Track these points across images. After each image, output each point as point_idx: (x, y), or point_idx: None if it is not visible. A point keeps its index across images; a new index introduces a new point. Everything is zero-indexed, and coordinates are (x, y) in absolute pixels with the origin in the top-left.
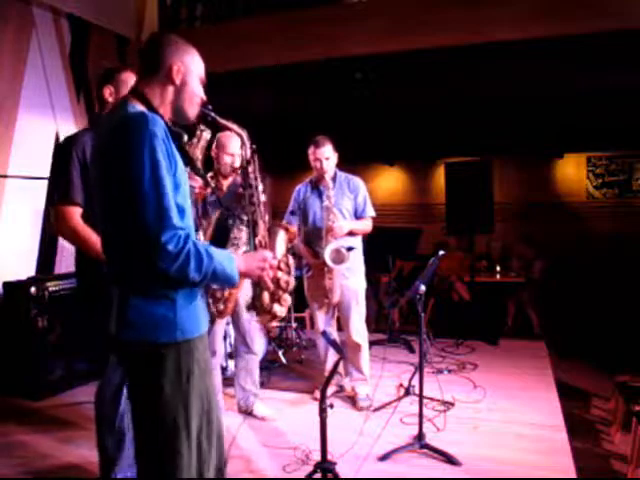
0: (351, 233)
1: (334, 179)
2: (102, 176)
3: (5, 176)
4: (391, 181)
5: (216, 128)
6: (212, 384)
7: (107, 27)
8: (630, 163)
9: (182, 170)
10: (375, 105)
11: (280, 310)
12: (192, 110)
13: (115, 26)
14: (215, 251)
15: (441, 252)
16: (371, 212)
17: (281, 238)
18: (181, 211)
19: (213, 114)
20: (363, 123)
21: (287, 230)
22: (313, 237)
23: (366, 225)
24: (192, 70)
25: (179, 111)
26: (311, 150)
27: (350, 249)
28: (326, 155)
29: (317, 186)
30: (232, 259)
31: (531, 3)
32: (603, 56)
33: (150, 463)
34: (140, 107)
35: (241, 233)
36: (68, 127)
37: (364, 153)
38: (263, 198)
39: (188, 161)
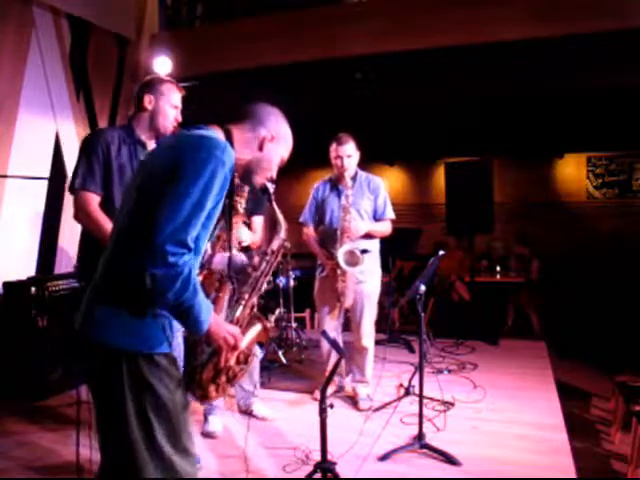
0: (369, 235)
1: (354, 178)
2: (153, 172)
3: (5, 176)
4: (391, 181)
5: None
6: (178, 404)
7: (107, 27)
8: (630, 163)
9: (219, 208)
10: (375, 105)
11: (214, 395)
12: (259, 179)
13: (115, 26)
14: (202, 294)
15: (441, 252)
16: (391, 214)
17: (255, 331)
18: (197, 240)
19: (272, 195)
20: (363, 123)
21: (265, 328)
22: (328, 238)
23: (385, 227)
24: (280, 148)
25: (247, 172)
26: (333, 147)
27: (365, 252)
28: (348, 153)
29: (336, 185)
30: (211, 311)
31: (531, 3)
32: (603, 56)
33: (111, 467)
34: (222, 137)
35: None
36: (68, 127)
37: (364, 153)
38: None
39: (228, 215)
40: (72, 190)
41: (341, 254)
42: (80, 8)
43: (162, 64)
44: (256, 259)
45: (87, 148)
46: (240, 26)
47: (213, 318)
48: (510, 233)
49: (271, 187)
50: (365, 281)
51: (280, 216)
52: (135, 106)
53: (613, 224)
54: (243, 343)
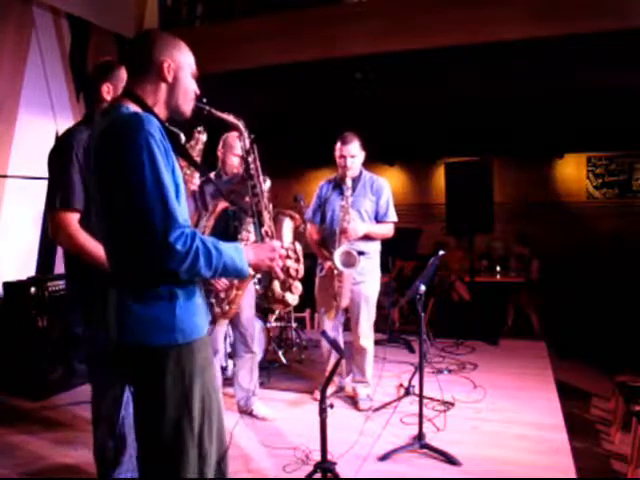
0: (368, 237)
1: (358, 178)
2: (100, 180)
3: (5, 176)
4: (391, 181)
5: (211, 128)
6: (214, 384)
7: (107, 27)
8: (630, 163)
9: (178, 169)
10: (375, 105)
11: (292, 298)
12: (187, 106)
13: (115, 26)
14: (223, 245)
15: (441, 252)
16: (393, 217)
17: (287, 226)
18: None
19: (208, 107)
20: (363, 123)
21: (292, 217)
22: (328, 238)
23: (387, 230)
24: (183, 65)
25: (174, 108)
26: (337, 146)
27: (361, 253)
28: (352, 152)
29: (339, 185)
30: (241, 251)
31: (531, 3)
32: (603, 56)
33: (155, 466)
34: (134, 108)
35: (249, 235)
36: (68, 127)
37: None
38: (266, 186)
39: (188, 158)
40: (50, 209)
41: (337, 255)
42: (80, 8)
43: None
44: (241, 170)
45: (60, 158)
46: (240, 26)
47: (247, 252)
48: (510, 233)
49: (203, 103)
50: (363, 282)
51: (230, 116)
52: (91, 97)
53: (613, 224)
54: (285, 242)
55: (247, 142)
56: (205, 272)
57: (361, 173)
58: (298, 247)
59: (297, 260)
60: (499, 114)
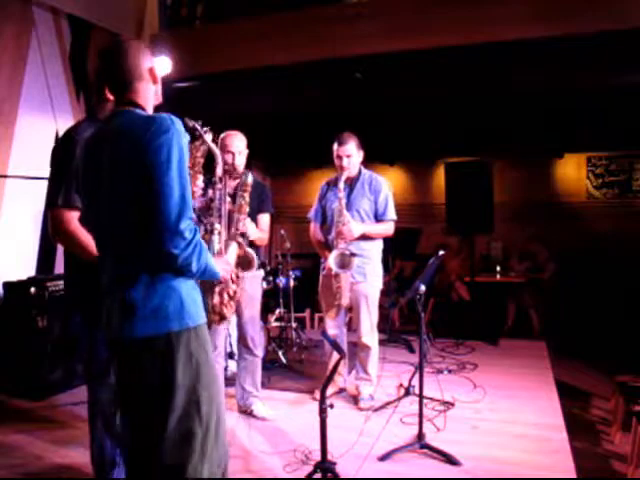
0: (367, 237)
1: (357, 178)
2: (116, 168)
3: (5, 176)
4: (391, 181)
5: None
6: (215, 373)
7: (107, 27)
8: (630, 163)
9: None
10: (375, 105)
11: (227, 313)
12: (156, 102)
13: (115, 26)
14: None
15: (441, 252)
16: (392, 215)
17: (233, 250)
18: None
19: (195, 122)
20: (363, 123)
21: (239, 245)
22: (329, 237)
23: (385, 229)
24: (157, 66)
25: (152, 108)
26: (334, 147)
27: (354, 255)
28: (348, 152)
29: (337, 185)
30: (212, 257)
31: (531, 3)
32: (603, 56)
33: (159, 457)
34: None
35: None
36: (68, 127)
37: (364, 153)
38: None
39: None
40: (51, 206)
41: (332, 257)
42: (80, 8)
43: (162, 64)
44: (210, 192)
45: (63, 157)
46: (240, 26)
47: (216, 262)
48: (510, 233)
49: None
50: (364, 281)
51: (213, 145)
52: (96, 95)
53: (613, 224)
54: (232, 263)
55: (221, 169)
56: (195, 266)
57: (360, 172)
58: (240, 273)
59: (237, 284)
60: (499, 114)
